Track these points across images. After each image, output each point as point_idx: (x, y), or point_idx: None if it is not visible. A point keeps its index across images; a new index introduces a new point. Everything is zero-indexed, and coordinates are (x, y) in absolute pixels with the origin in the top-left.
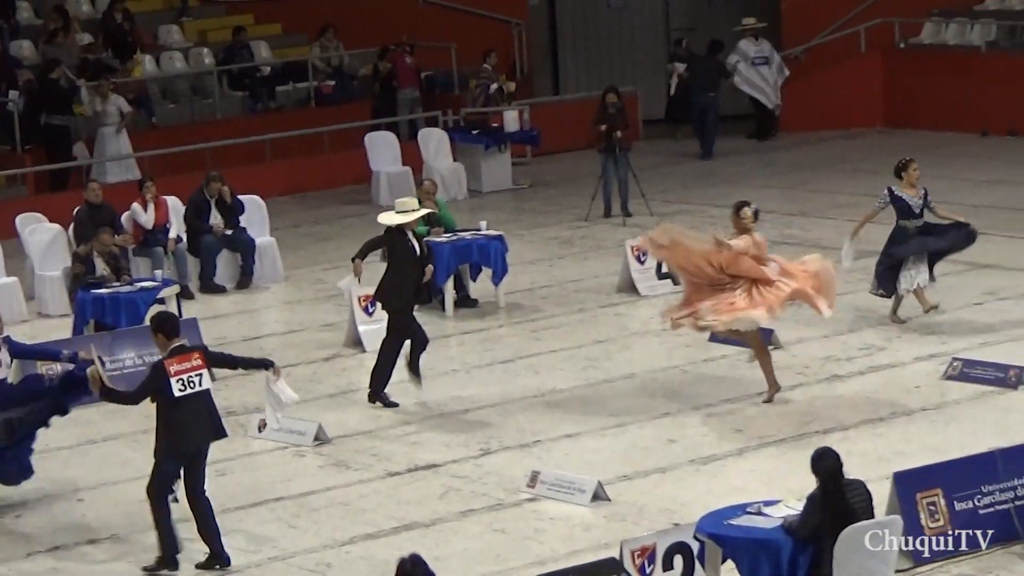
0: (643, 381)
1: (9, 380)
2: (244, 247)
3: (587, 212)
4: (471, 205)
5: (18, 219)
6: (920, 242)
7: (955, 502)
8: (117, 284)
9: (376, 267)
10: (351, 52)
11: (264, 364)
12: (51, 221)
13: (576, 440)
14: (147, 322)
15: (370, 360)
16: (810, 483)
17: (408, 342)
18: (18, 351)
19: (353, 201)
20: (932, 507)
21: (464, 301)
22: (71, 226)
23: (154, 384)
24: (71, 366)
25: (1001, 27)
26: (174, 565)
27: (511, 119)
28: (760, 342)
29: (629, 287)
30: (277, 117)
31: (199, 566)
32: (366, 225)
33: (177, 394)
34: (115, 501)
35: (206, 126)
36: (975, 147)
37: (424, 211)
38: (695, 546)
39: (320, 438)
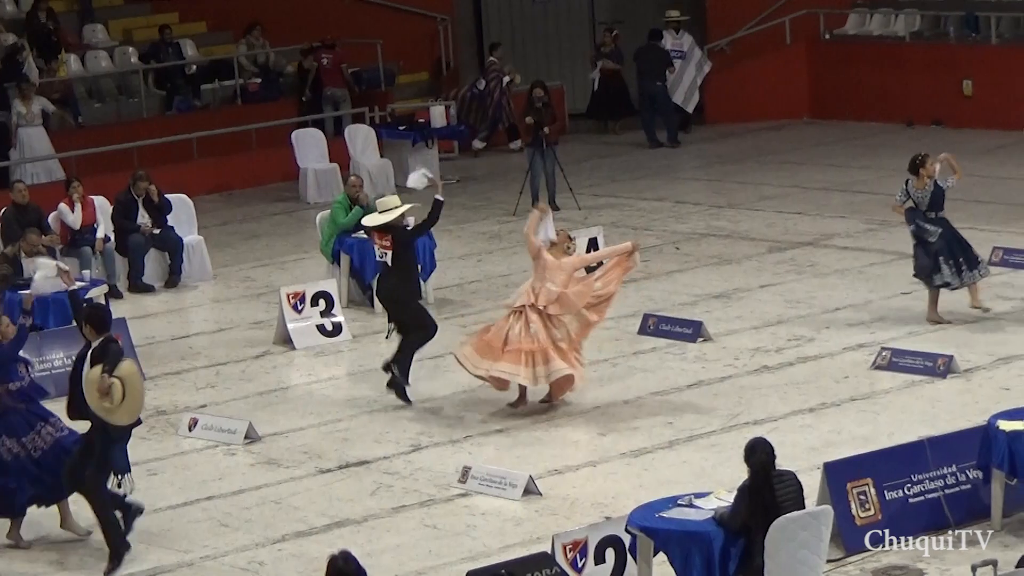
0: None
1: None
2: (172, 246)
3: (515, 206)
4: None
5: None
6: (940, 239)
7: (885, 491)
8: None
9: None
10: (277, 50)
11: None
12: None
13: (507, 435)
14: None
15: (300, 358)
16: (741, 475)
17: (400, 338)
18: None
19: (281, 198)
20: (863, 496)
21: None
22: None
23: None
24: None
25: (925, 17)
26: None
27: (438, 114)
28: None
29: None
30: (203, 115)
31: None
32: (294, 222)
33: None
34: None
35: (132, 125)
36: (900, 137)
37: (407, 206)
38: (627, 539)
39: (250, 436)
